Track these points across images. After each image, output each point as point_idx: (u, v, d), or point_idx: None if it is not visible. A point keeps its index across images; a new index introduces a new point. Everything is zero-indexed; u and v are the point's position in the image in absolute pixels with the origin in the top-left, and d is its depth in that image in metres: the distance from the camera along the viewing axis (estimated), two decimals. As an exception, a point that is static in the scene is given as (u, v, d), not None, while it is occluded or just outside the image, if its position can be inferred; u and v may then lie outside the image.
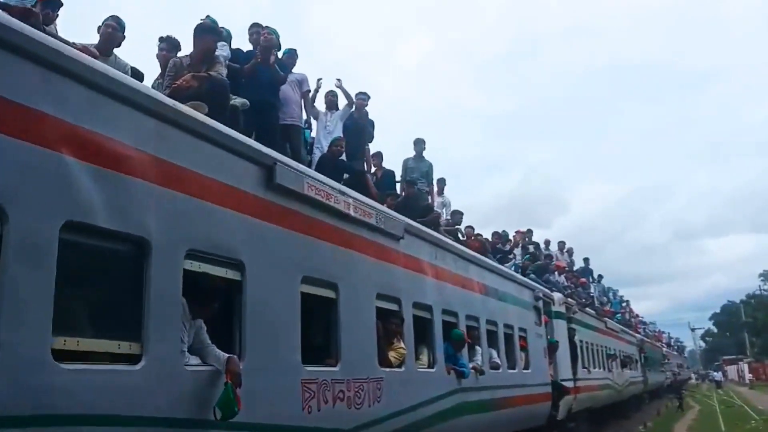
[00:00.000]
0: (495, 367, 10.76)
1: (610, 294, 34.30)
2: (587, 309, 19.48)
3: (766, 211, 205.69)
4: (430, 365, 8.39)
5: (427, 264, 8.67)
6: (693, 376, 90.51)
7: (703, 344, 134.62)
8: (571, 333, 16.96)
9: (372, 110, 10.73)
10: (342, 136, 9.26)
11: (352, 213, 6.75)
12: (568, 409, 16.08)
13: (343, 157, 9.11)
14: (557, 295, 16.39)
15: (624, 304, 34.75)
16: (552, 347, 14.72)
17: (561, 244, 20.69)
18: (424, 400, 7.83)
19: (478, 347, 10.00)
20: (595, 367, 19.59)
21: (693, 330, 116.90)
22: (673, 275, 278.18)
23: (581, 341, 18.19)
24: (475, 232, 14.34)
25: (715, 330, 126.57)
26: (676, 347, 77.93)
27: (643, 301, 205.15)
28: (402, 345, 7.50)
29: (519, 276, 13.47)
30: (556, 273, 18.11)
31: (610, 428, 22.28)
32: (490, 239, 15.17)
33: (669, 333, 71.11)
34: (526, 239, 18.57)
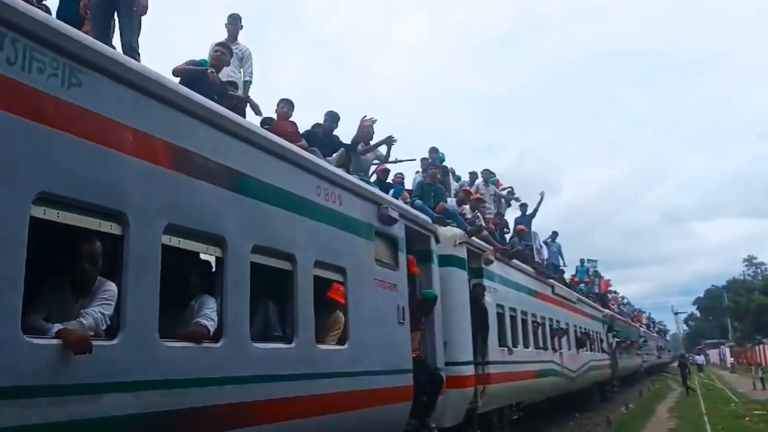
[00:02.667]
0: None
1: (585, 265, 28.09)
2: (516, 262, 13.18)
3: (756, 195, 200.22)
4: None
5: None
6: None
7: (686, 328, 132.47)
8: (478, 292, 10.72)
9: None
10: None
11: None
12: (470, 408, 9.95)
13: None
14: (449, 230, 10.15)
15: (592, 273, 28.56)
16: (424, 306, 8.49)
17: (486, 173, 14.39)
18: None
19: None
20: (527, 346, 13.39)
21: (676, 314, 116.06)
22: (660, 259, 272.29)
23: (501, 306, 11.96)
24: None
25: (698, 314, 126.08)
26: (657, 329, 72.10)
27: (629, 284, 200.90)
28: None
29: (341, 173, 7.14)
30: (464, 204, 11.83)
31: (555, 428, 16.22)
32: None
33: (649, 313, 65.35)
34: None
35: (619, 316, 32.42)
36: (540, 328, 14.42)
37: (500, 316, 11.92)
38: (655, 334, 61.03)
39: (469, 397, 9.86)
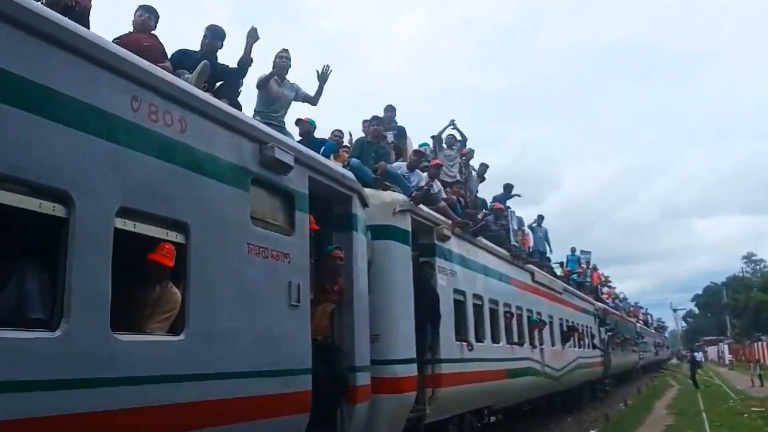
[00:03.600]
0: None
1: (576, 254, 25.83)
2: (486, 243, 11.02)
3: (756, 192, 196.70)
4: None
5: None
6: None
7: (684, 325, 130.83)
8: (426, 273, 8.58)
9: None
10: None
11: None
12: (413, 417, 7.87)
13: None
14: (386, 194, 8.02)
15: (585, 265, 26.32)
16: (330, 267, 6.38)
17: (450, 139, 12.09)
18: None
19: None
20: (497, 341, 11.22)
21: (675, 310, 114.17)
22: (659, 255, 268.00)
23: (460, 293, 9.79)
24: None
25: (697, 311, 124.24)
26: (655, 325, 69.82)
27: (628, 281, 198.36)
28: None
29: (190, 89, 4.93)
30: (417, 169, 9.64)
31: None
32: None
33: (647, 309, 63.00)
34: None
35: (614, 311, 30.21)
36: (514, 320, 12.23)
37: (459, 305, 9.75)
38: (652, 331, 58.76)
39: (410, 404, 7.71)
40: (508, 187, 14.87)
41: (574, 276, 22.54)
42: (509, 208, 13.43)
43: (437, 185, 10.37)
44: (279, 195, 5.61)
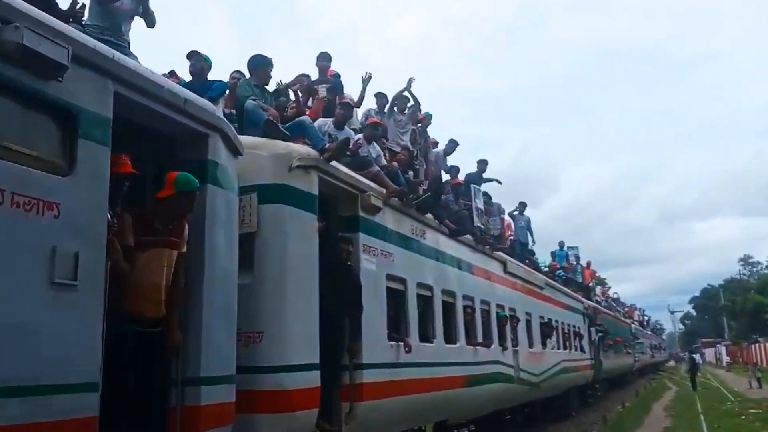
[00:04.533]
0: None
1: (564, 249, 23.66)
2: (430, 220, 8.89)
3: (755, 195, 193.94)
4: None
5: None
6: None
7: (682, 327, 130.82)
8: (342, 251, 6.49)
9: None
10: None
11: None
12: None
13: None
14: (276, 144, 5.99)
15: (574, 260, 24.15)
16: (179, 202, 4.34)
17: (400, 101, 9.86)
18: None
19: None
20: (452, 341, 9.10)
21: (672, 313, 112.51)
22: (657, 258, 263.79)
23: (399, 281, 7.68)
24: None
25: (694, 313, 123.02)
26: (652, 327, 67.59)
27: (625, 283, 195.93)
28: None
29: None
30: (344, 124, 7.55)
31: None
32: None
33: (643, 310, 60.76)
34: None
35: (607, 310, 28.02)
36: (478, 316, 10.11)
37: (396, 295, 7.64)
38: (649, 332, 56.50)
39: (307, 425, 5.59)
40: (482, 163, 12.74)
41: (560, 272, 20.38)
42: (479, 188, 11.29)
43: (375, 149, 8.29)
44: (38, 111, 3.51)
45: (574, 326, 18.35)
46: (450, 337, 9.04)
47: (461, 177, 11.69)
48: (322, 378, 6.08)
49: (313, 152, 6.13)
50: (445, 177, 11.26)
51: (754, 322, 66.41)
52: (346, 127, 7.83)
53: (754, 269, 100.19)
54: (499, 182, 14.10)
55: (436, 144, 11.83)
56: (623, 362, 30.20)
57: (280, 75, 8.61)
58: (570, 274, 21.86)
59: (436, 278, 8.69)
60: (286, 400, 5.35)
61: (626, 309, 46.73)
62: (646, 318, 59.45)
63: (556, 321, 15.98)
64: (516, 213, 16.69)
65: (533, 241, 16.74)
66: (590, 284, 26.32)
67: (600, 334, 22.46)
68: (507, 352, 11.31)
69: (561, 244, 22.72)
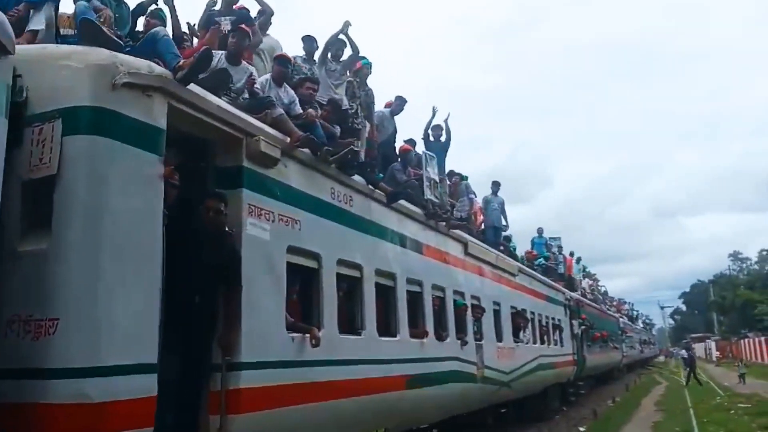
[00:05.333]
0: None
1: (544, 239, 21.96)
2: (360, 184, 7.14)
3: (747, 191, 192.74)
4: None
5: None
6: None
7: (672, 322, 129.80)
8: (209, 212, 4.74)
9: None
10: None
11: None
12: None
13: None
14: (79, 51, 4.22)
15: (556, 251, 22.45)
16: None
17: (335, 45, 8.00)
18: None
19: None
20: (389, 332, 7.38)
21: (662, 308, 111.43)
22: (648, 253, 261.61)
23: (311, 256, 5.94)
24: None
25: (684, 309, 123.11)
26: (642, 322, 66.14)
27: (617, 279, 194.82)
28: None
29: None
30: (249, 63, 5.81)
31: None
32: None
33: (632, 304, 59.22)
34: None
35: (592, 303, 26.36)
36: (428, 304, 8.39)
37: (304, 274, 5.92)
38: (639, 327, 54.99)
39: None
40: (436, 128, 10.97)
41: (540, 260, 18.68)
42: (432, 155, 9.50)
43: (288, 93, 6.55)
44: None
45: (553, 318, 16.67)
46: (386, 329, 7.33)
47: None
48: (180, 382, 4.39)
49: (158, 68, 4.37)
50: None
51: (743, 318, 66.23)
52: (245, 63, 6.10)
53: (744, 265, 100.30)
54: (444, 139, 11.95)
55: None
56: (610, 358, 28.54)
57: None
58: (552, 264, 20.16)
59: (367, 255, 6.96)
60: (94, 417, 3.62)
61: (615, 303, 45.24)
62: (635, 312, 57.92)
63: (532, 312, 14.28)
64: (490, 196, 14.98)
65: (506, 225, 15.05)
66: (574, 275, 24.62)
67: (583, 327, 20.79)
68: (468, 347, 9.61)
69: (539, 231, 20.94)
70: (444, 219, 9.16)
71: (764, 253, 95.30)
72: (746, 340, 56.37)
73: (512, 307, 12.62)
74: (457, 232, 10.04)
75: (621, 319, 37.67)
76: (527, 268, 14.96)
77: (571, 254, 25.39)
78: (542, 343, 15.00)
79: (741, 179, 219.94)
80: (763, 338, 50.03)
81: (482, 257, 10.92)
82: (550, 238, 23.66)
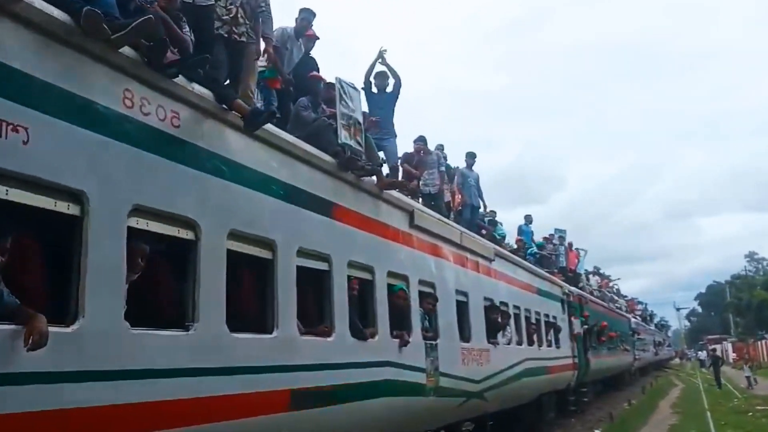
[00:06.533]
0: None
1: (529, 225, 18.89)
2: (192, 94, 4.53)
3: (762, 190, 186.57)
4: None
5: None
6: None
7: (687, 324, 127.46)
8: None
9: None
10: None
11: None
12: None
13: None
14: None
15: (557, 242, 19.63)
16: None
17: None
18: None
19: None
20: (257, 326, 4.80)
21: (678, 309, 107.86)
22: (663, 254, 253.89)
23: (75, 200, 3.39)
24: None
25: (700, 310, 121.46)
26: (656, 323, 62.66)
27: (631, 280, 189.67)
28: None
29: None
30: None
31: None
32: None
33: (646, 304, 55.89)
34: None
35: (599, 301, 23.50)
36: (333, 286, 5.77)
37: (40, 228, 3.40)
38: (652, 328, 51.63)
39: None
40: (380, 77, 8.50)
41: (532, 249, 15.94)
42: (354, 87, 6.89)
43: None
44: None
45: (547, 315, 13.94)
46: (252, 322, 4.77)
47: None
48: None
49: None
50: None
51: (759, 319, 63.25)
52: None
53: (760, 265, 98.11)
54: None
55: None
56: (619, 361, 25.55)
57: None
58: (549, 254, 17.39)
59: (207, 208, 4.40)
60: None
61: (628, 302, 42.20)
62: (648, 312, 54.58)
63: (517, 307, 11.60)
64: (465, 169, 12.38)
65: (484, 205, 12.41)
66: (578, 270, 21.80)
67: (585, 327, 17.99)
68: (411, 349, 7.00)
69: (527, 219, 17.88)
70: (370, 171, 6.54)
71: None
72: (764, 341, 55.31)
73: (486, 299, 9.96)
74: (399, 196, 7.44)
75: (633, 320, 34.59)
76: (511, 254, 12.23)
77: (576, 249, 22.57)
78: (532, 344, 12.29)
79: (754, 178, 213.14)
80: (779, 339, 49.07)
81: (438, 232, 8.27)
82: (555, 229, 20.98)
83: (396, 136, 8.87)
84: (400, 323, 6.90)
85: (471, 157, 12.28)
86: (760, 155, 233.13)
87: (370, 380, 6.16)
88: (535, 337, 12.49)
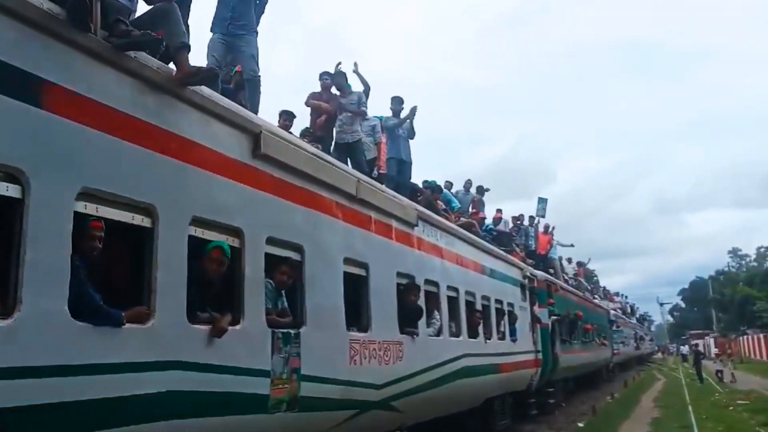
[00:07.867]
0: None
1: (470, 191, 15.83)
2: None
3: (748, 187, 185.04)
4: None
5: None
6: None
7: (670, 319, 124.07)
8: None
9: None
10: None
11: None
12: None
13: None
14: None
15: (527, 223, 17.05)
16: None
17: None
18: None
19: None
20: None
21: (661, 304, 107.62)
22: (648, 249, 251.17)
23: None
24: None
25: (683, 305, 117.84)
26: (638, 316, 60.42)
27: (616, 275, 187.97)
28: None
29: None
30: None
31: None
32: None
33: (626, 296, 53.72)
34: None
35: (573, 289, 20.97)
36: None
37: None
38: (633, 321, 49.33)
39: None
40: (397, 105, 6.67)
41: (489, 225, 13.32)
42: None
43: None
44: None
45: (500, 302, 11.33)
46: None
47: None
48: None
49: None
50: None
51: (742, 314, 64.26)
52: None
53: (743, 261, 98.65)
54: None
55: None
56: (596, 356, 23.06)
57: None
58: (509, 231, 14.77)
59: None
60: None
61: (608, 295, 39.96)
62: (629, 305, 52.30)
63: (454, 289, 8.98)
64: (391, 120, 9.72)
65: (409, 159, 9.76)
66: (550, 255, 19.21)
67: (555, 317, 15.46)
68: (237, 339, 4.38)
69: (468, 184, 14.43)
70: (141, 43, 3.84)
71: (762, 249, 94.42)
72: (745, 336, 54.81)
73: (402, 275, 7.33)
74: (238, 109, 4.79)
75: (612, 311, 32.15)
76: (446, 221, 9.54)
77: (547, 230, 19.93)
78: (475, 336, 9.69)
79: (742, 176, 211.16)
80: (761, 335, 48.66)
81: (306, 170, 5.56)
82: (539, 198, 18.72)
83: (257, 33, 6.20)
84: (211, 300, 4.27)
85: (398, 103, 9.62)
86: (749, 153, 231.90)
87: (146, 393, 3.55)
88: (480, 328, 9.88)
